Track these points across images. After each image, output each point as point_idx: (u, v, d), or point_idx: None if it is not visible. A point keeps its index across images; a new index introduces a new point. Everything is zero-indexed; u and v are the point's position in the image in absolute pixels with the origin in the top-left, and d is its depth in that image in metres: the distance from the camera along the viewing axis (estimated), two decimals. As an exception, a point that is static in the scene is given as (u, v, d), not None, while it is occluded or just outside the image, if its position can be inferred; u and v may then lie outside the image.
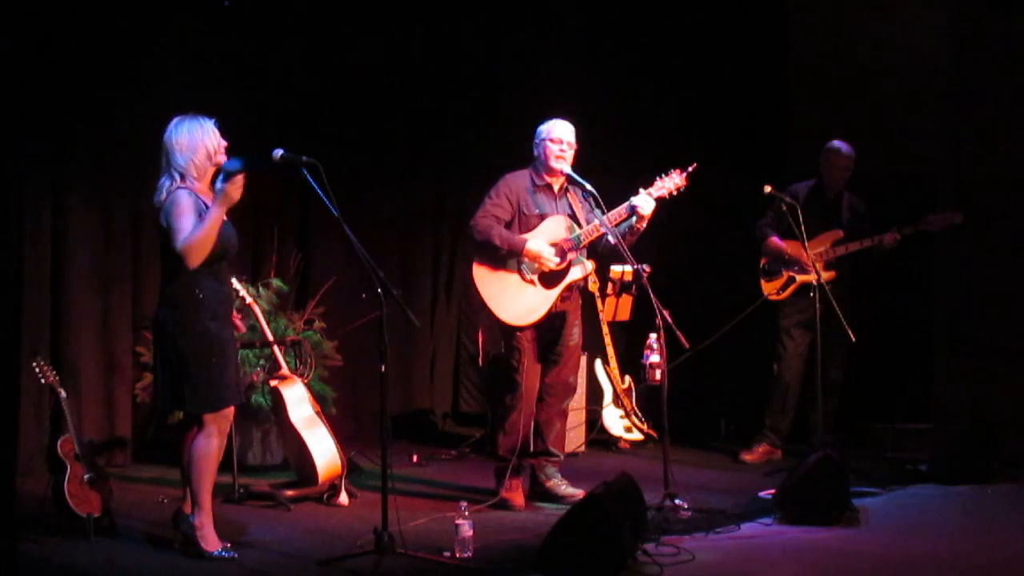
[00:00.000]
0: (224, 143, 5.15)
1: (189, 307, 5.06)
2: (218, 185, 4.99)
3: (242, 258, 6.56)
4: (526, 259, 6.09)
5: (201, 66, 7.10)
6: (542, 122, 6.26)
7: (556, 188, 6.25)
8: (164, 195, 5.04)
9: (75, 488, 5.45)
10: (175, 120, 5.12)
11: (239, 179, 4.98)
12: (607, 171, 6.94)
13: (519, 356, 6.13)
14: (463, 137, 8.35)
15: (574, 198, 6.28)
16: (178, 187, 5.03)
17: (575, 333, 6.31)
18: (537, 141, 6.23)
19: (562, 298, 6.18)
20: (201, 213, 5.01)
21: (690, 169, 6.20)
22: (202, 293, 5.07)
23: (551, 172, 6.20)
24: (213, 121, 5.14)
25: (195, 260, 4.99)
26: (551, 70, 8.32)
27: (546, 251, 6.09)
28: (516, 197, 6.16)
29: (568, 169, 6.16)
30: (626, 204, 6.11)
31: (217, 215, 4.99)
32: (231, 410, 5.24)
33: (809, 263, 6.91)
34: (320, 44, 7.68)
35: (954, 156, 8.16)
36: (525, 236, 6.09)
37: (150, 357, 6.53)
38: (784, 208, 6.92)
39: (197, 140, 5.08)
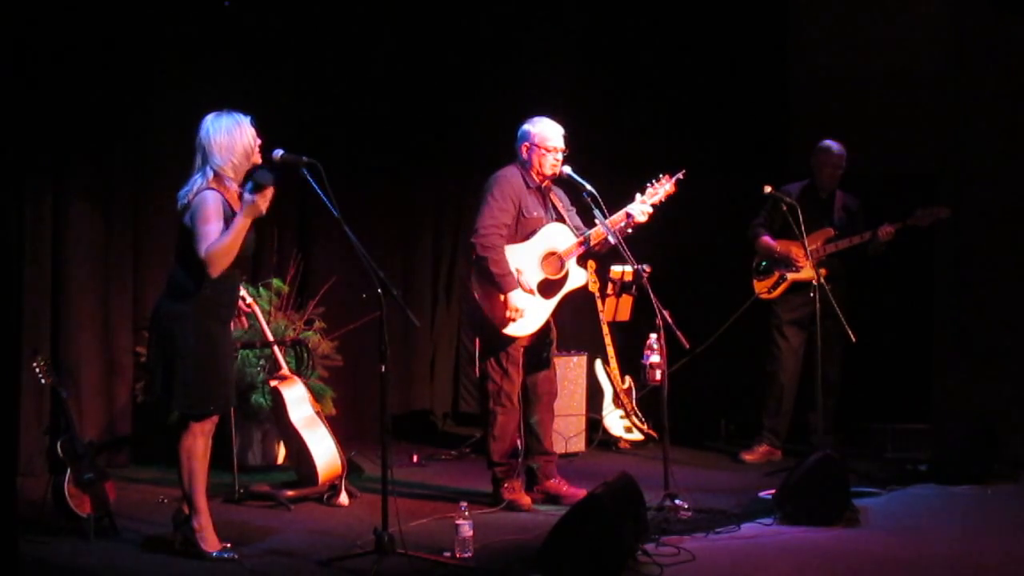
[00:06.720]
0: (259, 141, 5.07)
1: (193, 303, 5.00)
2: (246, 196, 4.91)
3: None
4: (519, 277, 6.03)
5: (200, 66, 7.10)
6: (526, 120, 6.20)
7: (542, 189, 6.23)
8: (193, 194, 4.96)
9: (75, 488, 5.45)
10: (211, 116, 5.02)
11: (269, 192, 4.93)
12: (606, 172, 6.94)
13: (506, 362, 6.11)
14: (463, 137, 8.35)
15: (556, 199, 6.27)
16: (207, 188, 4.95)
17: (553, 330, 6.31)
18: (528, 144, 6.13)
19: None
20: (227, 218, 4.95)
21: (679, 176, 6.19)
22: (209, 292, 5.02)
23: (542, 177, 6.18)
24: (250, 118, 5.05)
25: (217, 269, 4.92)
26: (550, 70, 8.33)
27: (523, 307, 5.99)
28: (518, 198, 6.11)
29: (568, 170, 6.15)
30: (623, 212, 6.10)
31: (242, 225, 4.91)
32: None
33: (804, 262, 6.89)
34: (319, 45, 7.68)
35: (954, 156, 8.16)
36: (515, 282, 5.98)
37: (149, 357, 6.53)
38: (784, 208, 6.93)
39: (236, 140, 4.99)
